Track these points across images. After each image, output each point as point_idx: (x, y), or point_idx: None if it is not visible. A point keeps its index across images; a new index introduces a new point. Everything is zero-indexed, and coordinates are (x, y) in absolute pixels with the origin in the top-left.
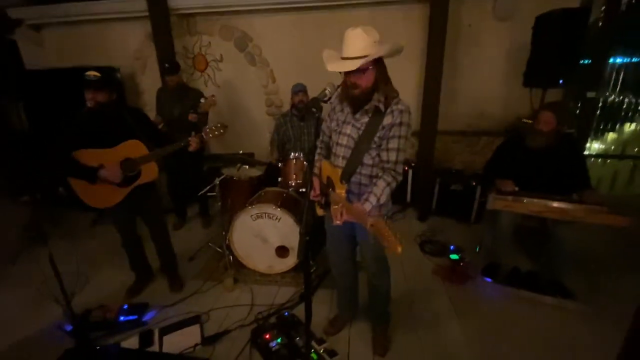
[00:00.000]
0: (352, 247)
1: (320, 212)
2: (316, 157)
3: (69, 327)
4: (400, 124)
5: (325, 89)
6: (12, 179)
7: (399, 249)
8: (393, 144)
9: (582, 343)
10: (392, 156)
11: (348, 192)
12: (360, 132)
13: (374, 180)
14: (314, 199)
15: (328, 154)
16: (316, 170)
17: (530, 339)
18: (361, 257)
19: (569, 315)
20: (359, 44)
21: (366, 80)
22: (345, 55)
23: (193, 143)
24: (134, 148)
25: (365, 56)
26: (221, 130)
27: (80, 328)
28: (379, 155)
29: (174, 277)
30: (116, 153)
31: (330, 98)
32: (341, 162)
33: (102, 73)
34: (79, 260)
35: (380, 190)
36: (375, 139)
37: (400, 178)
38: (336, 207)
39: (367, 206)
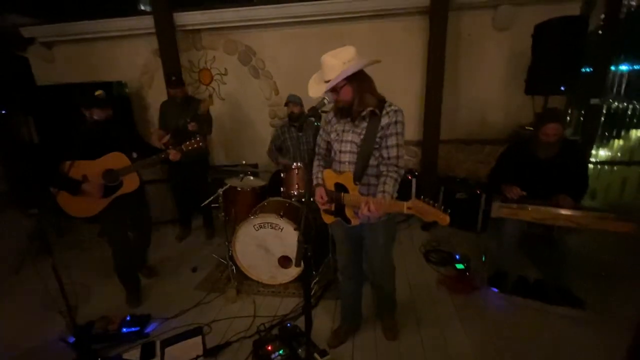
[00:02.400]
0: (360, 250)
1: (329, 219)
2: (316, 170)
3: (71, 339)
4: (396, 122)
5: (323, 99)
6: (22, 191)
7: (447, 219)
8: (392, 141)
9: (592, 352)
10: (393, 152)
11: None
12: (362, 136)
13: (382, 179)
14: (323, 207)
15: (328, 164)
16: (320, 181)
17: (539, 350)
18: (367, 261)
19: (578, 324)
20: (329, 68)
21: (343, 95)
22: (324, 79)
23: (172, 154)
24: (117, 160)
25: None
26: (200, 143)
27: (82, 340)
28: (381, 155)
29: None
30: (99, 164)
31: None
32: (347, 167)
33: (105, 89)
34: (83, 271)
35: (391, 188)
36: (377, 139)
37: (402, 172)
38: (356, 207)
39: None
